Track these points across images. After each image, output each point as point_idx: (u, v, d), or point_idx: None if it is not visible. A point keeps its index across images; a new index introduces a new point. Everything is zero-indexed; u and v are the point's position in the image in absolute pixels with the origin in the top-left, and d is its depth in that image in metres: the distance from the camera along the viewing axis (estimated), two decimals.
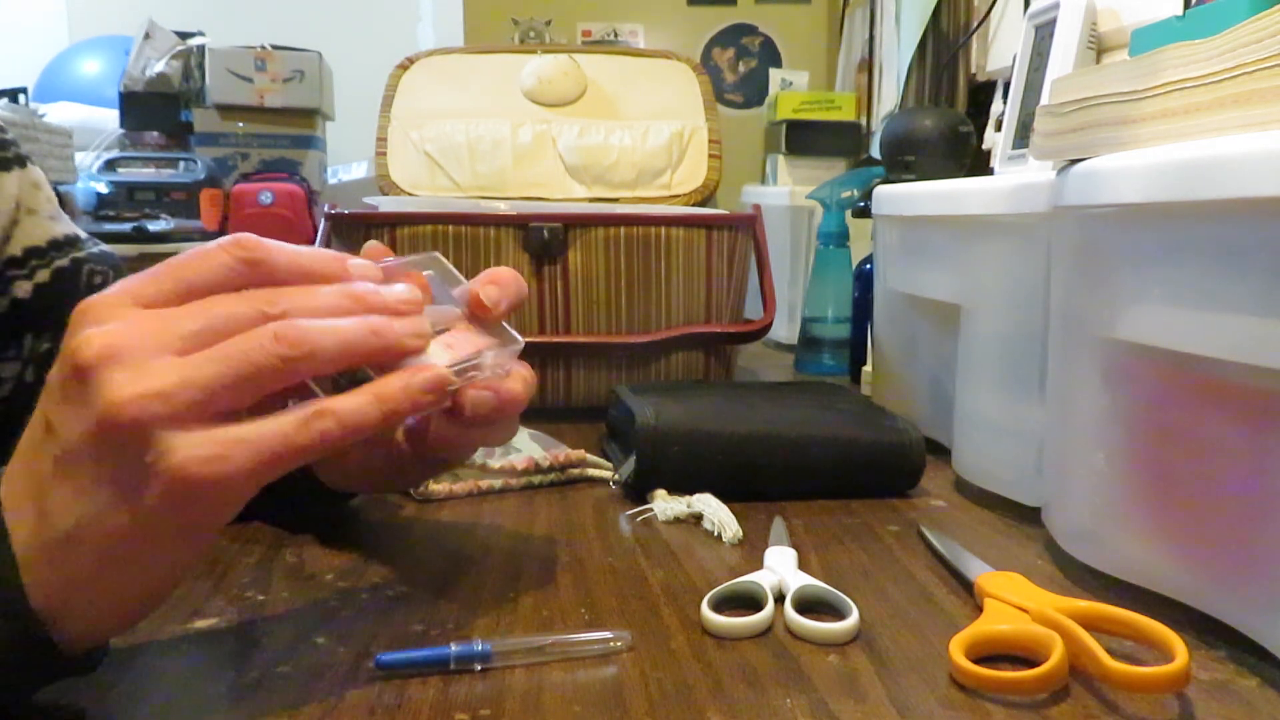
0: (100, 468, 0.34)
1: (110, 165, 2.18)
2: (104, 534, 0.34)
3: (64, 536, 0.34)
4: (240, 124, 2.32)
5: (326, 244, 0.98)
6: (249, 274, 0.37)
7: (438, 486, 0.66)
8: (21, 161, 0.62)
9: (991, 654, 0.43)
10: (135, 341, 0.34)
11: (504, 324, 0.47)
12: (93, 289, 0.64)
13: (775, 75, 2.05)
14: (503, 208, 0.98)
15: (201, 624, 0.46)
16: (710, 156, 1.14)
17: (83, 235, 0.65)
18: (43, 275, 0.61)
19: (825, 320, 1.19)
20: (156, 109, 2.31)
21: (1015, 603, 0.46)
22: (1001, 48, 1.31)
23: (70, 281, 0.62)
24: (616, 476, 0.69)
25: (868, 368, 1.02)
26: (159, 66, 2.29)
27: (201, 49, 2.35)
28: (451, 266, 0.47)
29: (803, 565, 0.53)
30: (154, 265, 0.36)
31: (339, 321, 0.37)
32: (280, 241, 0.38)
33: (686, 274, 0.93)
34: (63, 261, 0.62)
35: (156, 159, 2.21)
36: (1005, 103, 0.94)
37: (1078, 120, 0.54)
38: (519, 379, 0.46)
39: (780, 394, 0.79)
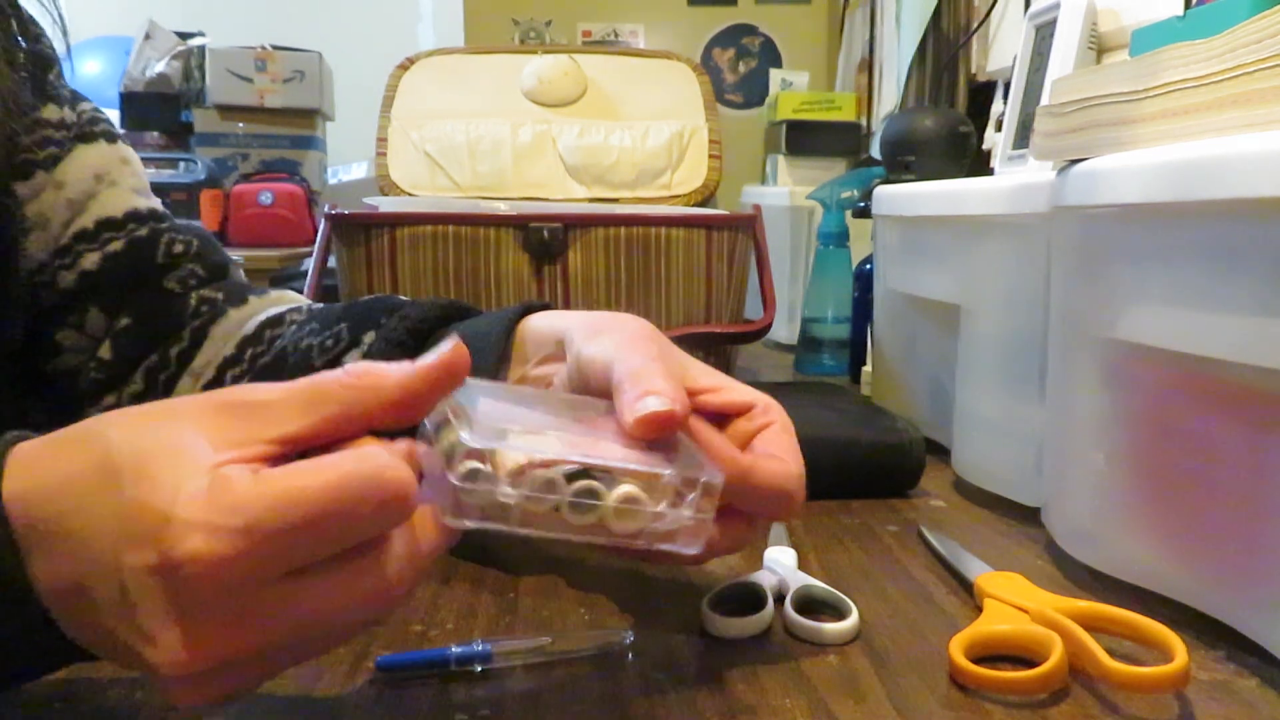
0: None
1: None
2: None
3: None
4: (240, 124, 2.32)
5: (326, 244, 0.98)
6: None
7: None
8: (111, 137, 0.61)
9: (991, 654, 0.43)
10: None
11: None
12: (172, 258, 0.61)
13: (775, 75, 2.05)
14: (503, 208, 0.98)
15: None
16: (710, 157, 1.14)
17: (168, 213, 0.63)
18: (115, 246, 0.58)
19: (825, 320, 1.19)
20: (156, 109, 2.31)
21: (1015, 603, 0.46)
22: (1001, 48, 1.31)
23: (146, 251, 0.60)
24: None
25: (868, 368, 1.02)
26: (159, 67, 2.29)
27: (201, 49, 2.35)
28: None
29: (803, 565, 0.53)
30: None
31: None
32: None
33: (686, 274, 0.93)
34: (141, 232, 0.60)
35: (156, 159, 2.21)
36: (1005, 103, 0.94)
37: (1078, 120, 0.54)
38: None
39: (780, 394, 0.79)
